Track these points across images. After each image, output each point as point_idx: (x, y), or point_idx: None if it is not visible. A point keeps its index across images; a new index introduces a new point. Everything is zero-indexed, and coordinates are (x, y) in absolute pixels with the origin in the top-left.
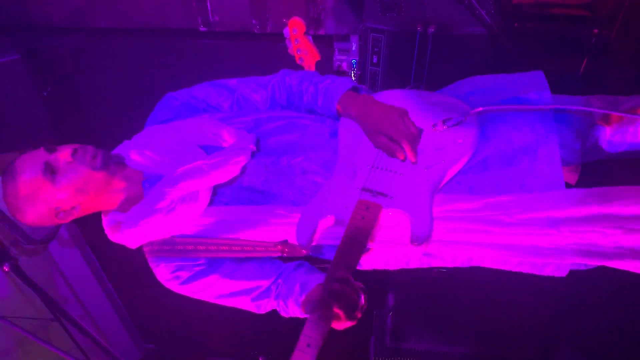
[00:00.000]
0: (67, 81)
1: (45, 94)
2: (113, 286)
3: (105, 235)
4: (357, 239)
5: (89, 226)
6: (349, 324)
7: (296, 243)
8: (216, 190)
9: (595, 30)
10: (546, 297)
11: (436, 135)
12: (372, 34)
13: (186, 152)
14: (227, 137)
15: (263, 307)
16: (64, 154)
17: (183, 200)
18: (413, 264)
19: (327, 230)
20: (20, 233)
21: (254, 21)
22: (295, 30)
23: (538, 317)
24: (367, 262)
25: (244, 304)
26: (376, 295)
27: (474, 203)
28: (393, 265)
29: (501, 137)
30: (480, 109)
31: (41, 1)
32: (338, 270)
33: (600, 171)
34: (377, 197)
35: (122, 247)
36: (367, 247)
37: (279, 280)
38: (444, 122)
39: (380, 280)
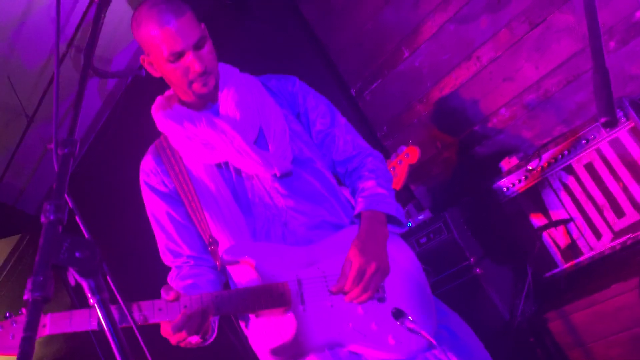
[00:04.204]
0: None
1: None
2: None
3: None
4: (250, 302)
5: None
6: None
7: (220, 252)
8: (228, 164)
9: None
10: None
11: (385, 313)
12: (440, 225)
13: (244, 124)
14: (275, 146)
15: (166, 260)
16: (198, 66)
17: (200, 143)
18: None
19: (242, 268)
20: None
21: (385, 128)
22: (407, 155)
23: None
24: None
25: (161, 242)
26: None
27: None
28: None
29: None
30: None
31: None
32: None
33: None
34: (297, 297)
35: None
36: (250, 316)
37: (192, 262)
38: (403, 319)
39: None
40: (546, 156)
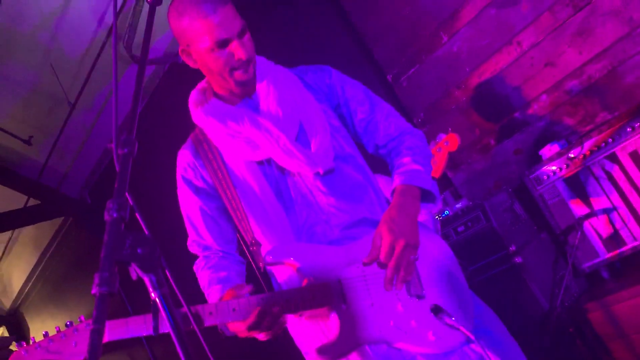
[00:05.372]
0: None
1: None
2: None
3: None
4: (293, 303)
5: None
6: (240, 333)
7: (263, 254)
8: (271, 162)
9: None
10: None
11: (424, 310)
12: (478, 214)
13: (286, 121)
14: (318, 144)
15: (193, 249)
16: (243, 53)
17: (244, 141)
18: None
19: (286, 269)
20: None
21: (421, 114)
22: (447, 143)
23: None
24: (291, 327)
25: (190, 236)
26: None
27: None
28: (303, 348)
29: None
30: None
31: None
32: (279, 305)
33: None
34: (339, 297)
35: None
36: (293, 316)
37: (220, 254)
38: (442, 315)
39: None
40: (589, 144)
